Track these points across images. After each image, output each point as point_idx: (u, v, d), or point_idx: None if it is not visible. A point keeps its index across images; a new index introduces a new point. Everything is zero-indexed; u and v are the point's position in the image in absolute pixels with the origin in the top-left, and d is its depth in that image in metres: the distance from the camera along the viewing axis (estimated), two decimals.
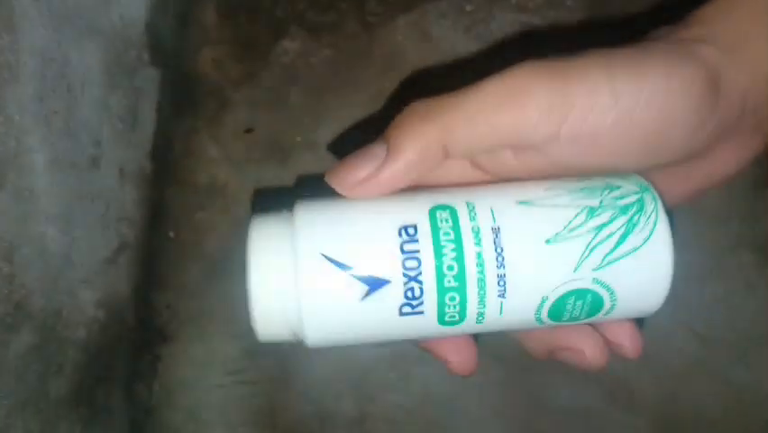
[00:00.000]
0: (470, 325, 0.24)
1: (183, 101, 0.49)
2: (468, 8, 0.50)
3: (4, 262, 0.29)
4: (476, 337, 0.28)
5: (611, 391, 0.44)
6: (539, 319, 0.25)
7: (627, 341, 0.29)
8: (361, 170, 0.24)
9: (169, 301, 0.46)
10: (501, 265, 0.23)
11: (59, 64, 0.33)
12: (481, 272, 0.23)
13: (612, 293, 0.24)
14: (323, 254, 0.23)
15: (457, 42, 0.49)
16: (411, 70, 0.48)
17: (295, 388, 0.45)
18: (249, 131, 0.48)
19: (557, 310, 0.25)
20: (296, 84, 0.49)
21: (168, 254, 0.46)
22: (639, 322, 0.29)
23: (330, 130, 0.47)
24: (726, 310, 0.44)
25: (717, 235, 0.45)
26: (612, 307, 0.25)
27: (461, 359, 0.28)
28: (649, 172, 0.26)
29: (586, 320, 0.26)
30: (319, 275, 0.23)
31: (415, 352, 0.42)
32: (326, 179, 0.25)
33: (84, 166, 0.37)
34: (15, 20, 0.29)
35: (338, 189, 0.25)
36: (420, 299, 0.23)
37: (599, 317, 0.25)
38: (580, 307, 0.25)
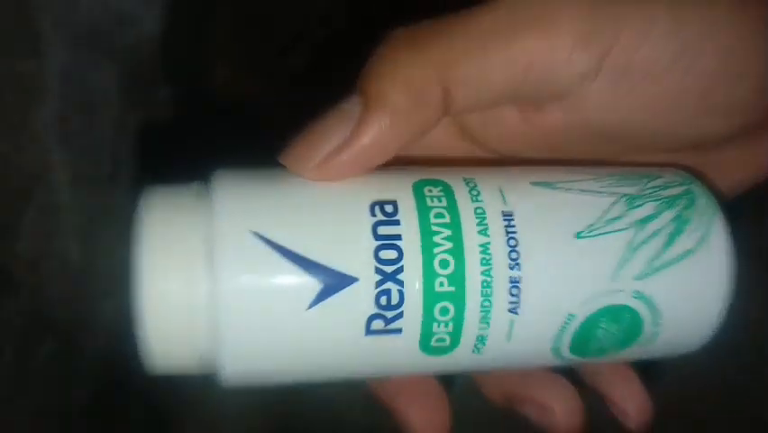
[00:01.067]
0: (461, 355, 0.17)
1: (199, 118, 0.49)
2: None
3: (29, 274, 0.30)
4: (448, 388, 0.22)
5: None
6: (557, 351, 0.17)
7: (634, 408, 0.21)
8: (327, 140, 0.16)
9: None
10: (516, 265, 0.16)
11: (79, 85, 0.34)
12: (488, 273, 0.16)
13: (656, 314, 0.17)
14: (254, 233, 0.15)
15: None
16: None
17: (307, 396, 0.46)
18: (266, 146, 0.49)
19: (584, 337, 0.17)
20: (308, 98, 0.50)
21: None
22: (654, 377, 0.23)
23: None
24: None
25: None
26: (653, 335, 0.18)
27: (432, 425, 0.21)
28: (679, 159, 0.20)
29: (614, 356, 0.18)
30: (246, 267, 0.15)
31: None
32: (280, 159, 0.17)
33: (104, 182, 0.38)
34: (40, 45, 0.30)
35: (296, 172, 0.17)
36: (398, 310, 0.16)
37: (632, 350, 0.18)
38: (614, 333, 0.17)
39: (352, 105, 0.16)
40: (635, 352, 0.18)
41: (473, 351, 0.17)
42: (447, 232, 0.16)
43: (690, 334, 0.19)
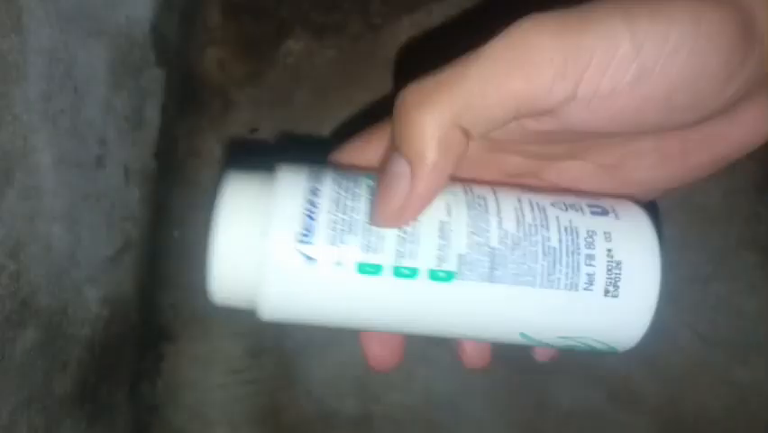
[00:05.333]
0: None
1: (188, 101, 0.49)
2: (471, 7, 0.50)
3: (10, 259, 0.29)
4: None
5: (613, 392, 0.44)
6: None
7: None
8: (395, 199, 0.22)
9: (172, 300, 0.46)
10: None
11: (65, 64, 0.33)
12: None
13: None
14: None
15: (461, 42, 0.49)
16: (415, 70, 0.48)
17: (298, 387, 0.45)
18: (253, 131, 0.48)
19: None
20: (300, 84, 0.49)
21: (172, 253, 0.47)
22: None
23: (334, 130, 0.48)
24: (729, 311, 0.44)
25: (720, 236, 0.45)
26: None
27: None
28: (664, 137, 0.24)
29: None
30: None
31: (418, 351, 0.43)
32: (369, 222, 0.23)
33: (89, 165, 0.37)
34: (23, 20, 0.29)
35: (384, 226, 0.23)
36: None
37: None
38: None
39: (400, 168, 0.22)
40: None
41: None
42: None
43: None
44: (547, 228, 0.23)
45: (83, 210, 0.36)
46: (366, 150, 0.26)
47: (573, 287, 0.23)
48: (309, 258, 0.22)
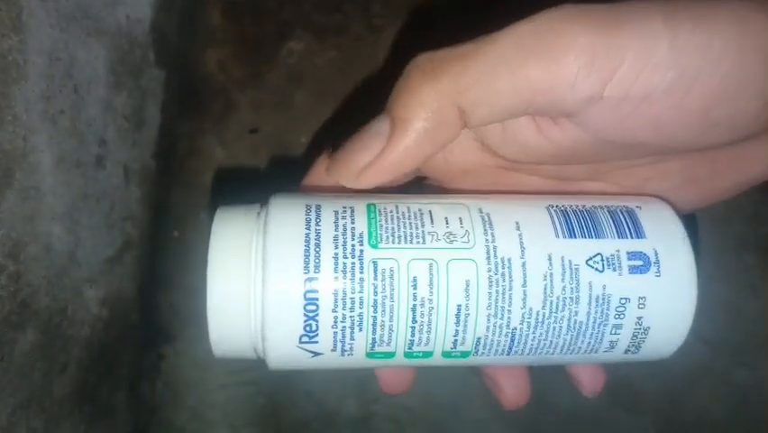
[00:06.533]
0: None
1: (188, 101, 0.49)
2: (472, 9, 0.50)
3: (9, 260, 0.29)
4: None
5: (615, 394, 0.44)
6: None
7: (587, 377, 0.26)
8: (364, 154, 0.20)
9: (172, 301, 0.46)
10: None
11: (65, 64, 0.33)
12: None
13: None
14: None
15: (462, 42, 0.49)
16: None
17: (298, 388, 0.45)
18: (253, 131, 0.48)
19: None
20: (300, 85, 0.49)
21: (172, 254, 0.47)
22: None
23: (334, 131, 0.48)
24: (730, 312, 0.44)
25: (721, 237, 0.45)
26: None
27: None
28: (692, 158, 0.22)
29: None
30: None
31: None
32: (326, 171, 0.22)
33: (89, 165, 0.37)
34: (23, 20, 0.29)
35: (340, 182, 0.21)
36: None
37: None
38: None
39: (382, 125, 0.20)
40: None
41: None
42: None
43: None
44: (577, 301, 0.21)
45: (83, 210, 0.36)
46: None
47: (593, 351, 0.22)
48: (315, 353, 0.21)
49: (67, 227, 0.34)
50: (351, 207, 0.21)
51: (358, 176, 0.21)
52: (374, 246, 0.20)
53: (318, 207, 0.21)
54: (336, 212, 0.21)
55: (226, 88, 0.49)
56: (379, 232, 0.21)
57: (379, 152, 0.20)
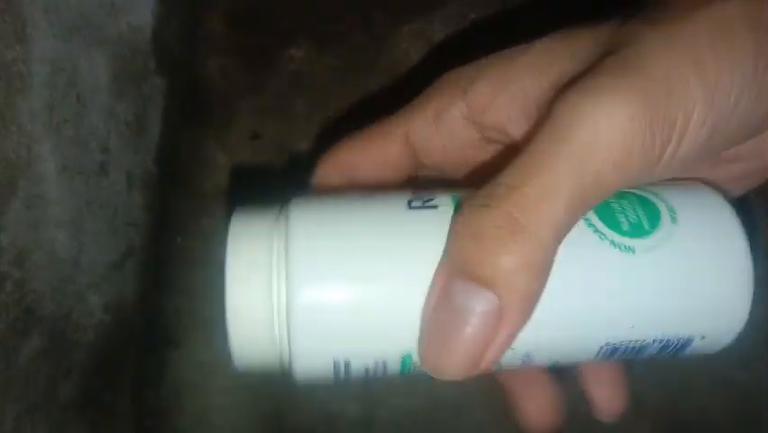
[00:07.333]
0: None
1: (190, 108, 0.49)
2: (472, 16, 0.50)
3: (15, 267, 0.30)
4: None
5: None
6: (589, 222, 0.20)
7: (605, 399, 0.25)
8: (473, 346, 0.17)
9: (175, 306, 0.46)
10: None
11: (68, 73, 0.34)
12: None
13: (656, 194, 0.21)
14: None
15: (463, 51, 0.49)
16: (416, 78, 0.48)
17: (301, 392, 0.45)
18: (255, 138, 0.49)
19: (603, 209, 0.20)
20: (302, 92, 0.49)
21: (175, 260, 0.47)
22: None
23: (335, 138, 0.48)
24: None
25: None
26: (672, 211, 0.21)
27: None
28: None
29: (653, 230, 0.20)
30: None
31: None
32: (425, 367, 0.19)
33: (93, 173, 0.37)
34: (27, 31, 0.29)
35: (453, 377, 0.19)
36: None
37: (665, 224, 0.21)
38: (630, 207, 0.21)
39: (481, 306, 0.16)
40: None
41: None
42: None
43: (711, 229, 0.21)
44: None
45: (86, 217, 0.37)
46: (358, 153, 0.25)
47: None
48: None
49: (71, 234, 0.35)
50: None
51: (472, 368, 0.18)
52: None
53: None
54: None
55: (228, 95, 0.50)
56: None
57: (492, 336, 0.17)
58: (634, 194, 0.21)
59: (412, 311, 0.18)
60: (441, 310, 0.17)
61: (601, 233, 0.20)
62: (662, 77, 0.17)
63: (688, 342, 0.21)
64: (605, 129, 0.16)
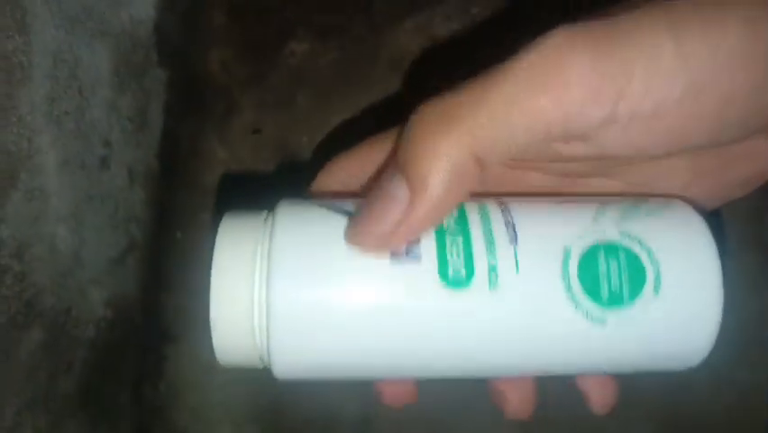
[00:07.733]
0: (480, 293, 0.20)
1: (191, 102, 0.49)
2: (473, 10, 0.50)
3: (15, 260, 0.30)
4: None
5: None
6: (568, 287, 0.20)
7: (596, 391, 0.25)
8: (385, 223, 0.20)
9: (175, 301, 0.46)
10: (508, 213, 0.21)
11: (70, 65, 0.33)
12: (486, 215, 0.21)
13: (650, 253, 0.20)
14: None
15: (463, 43, 0.49)
16: (417, 72, 0.48)
17: (300, 389, 0.45)
18: (256, 132, 0.48)
19: (588, 270, 0.20)
20: (303, 85, 0.49)
21: (175, 255, 0.47)
22: None
23: (336, 131, 0.48)
24: (730, 311, 0.44)
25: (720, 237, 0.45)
26: (657, 279, 0.20)
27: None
28: (701, 154, 0.22)
29: (633, 301, 0.20)
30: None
31: None
32: (346, 239, 0.21)
33: (94, 166, 0.37)
34: (28, 21, 0.29)
35: (364, 249, 0.20)
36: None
37: (647, 293, 0.20)
38: (617, 270, 0.20)
39: (399, 191, 0.19)
40: (648, 299, 0.20)
41: (489, 285, 0.20)
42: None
43: (693, 282, 0.21)
44: None
45: (87, 211, 0.36)
46: (357, 164, 0.24)
47: None
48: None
49: (71, 228, 0.35)
50: None
51: (381, 243, 0.20)
52: None
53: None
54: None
55: (229, 89, 0.49)
56: None
57: (402, 217, 0.19)
58: (629, 250, 0.21)
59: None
60: (374, 194, 0.20)
61: (577, 301, 0.20)
62: (626, 26, 0.18)
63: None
64: (564, 64, 0.18)
